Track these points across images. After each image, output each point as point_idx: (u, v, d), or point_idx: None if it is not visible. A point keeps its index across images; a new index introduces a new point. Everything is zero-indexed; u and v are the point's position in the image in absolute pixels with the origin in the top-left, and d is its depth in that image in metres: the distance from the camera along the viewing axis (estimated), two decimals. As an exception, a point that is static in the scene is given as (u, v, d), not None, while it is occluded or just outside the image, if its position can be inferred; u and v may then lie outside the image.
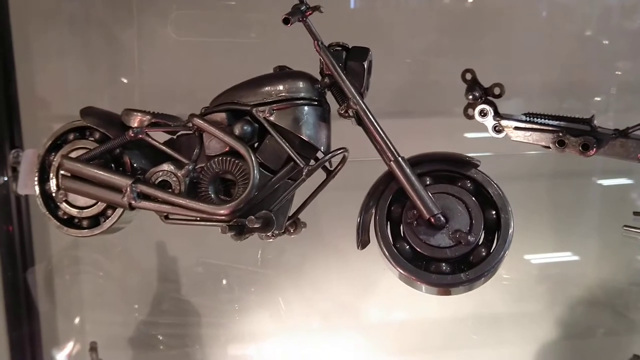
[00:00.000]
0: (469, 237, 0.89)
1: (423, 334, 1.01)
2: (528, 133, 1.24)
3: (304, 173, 0.94)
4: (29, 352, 1.10)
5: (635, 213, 1.29)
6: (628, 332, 1.02)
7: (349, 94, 0.92)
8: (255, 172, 0.91)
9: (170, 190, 0.96)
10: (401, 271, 0.90)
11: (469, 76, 1.24)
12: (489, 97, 1.25)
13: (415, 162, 0.94)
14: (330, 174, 1.01)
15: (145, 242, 1.21)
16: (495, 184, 0.93)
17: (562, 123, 1.21)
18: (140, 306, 1.10)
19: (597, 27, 1.95)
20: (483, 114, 1.26)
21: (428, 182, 0.93)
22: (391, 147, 0.91)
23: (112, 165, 1.03)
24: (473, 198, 0.92)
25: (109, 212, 1.04)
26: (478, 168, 0.94)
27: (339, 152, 0.98)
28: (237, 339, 1.03)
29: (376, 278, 1.13)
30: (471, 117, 1.28)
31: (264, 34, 1.62)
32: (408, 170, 0.90)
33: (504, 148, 1.27)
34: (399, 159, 0.91)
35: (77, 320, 1.13)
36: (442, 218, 0.90)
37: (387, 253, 0.91)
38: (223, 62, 1.52)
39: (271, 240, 1.01)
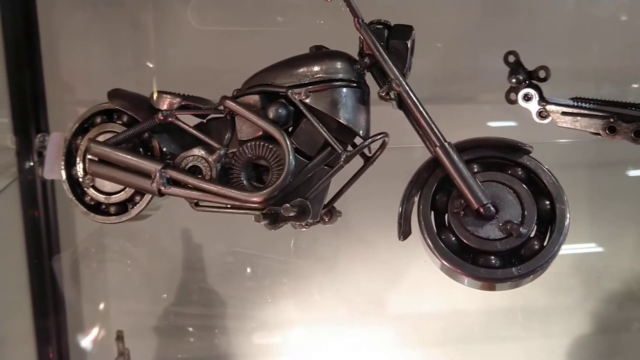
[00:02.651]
0: (521, 229, 0.83)
1: (453, 326, 0.98)
2: (576, 119, 1.17)
3: (341, 159, 0.88)
4: (55, 340, 1.08)
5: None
6: None
7: (391, 74, 0.87)
8: (291, 157, 0.86)
9: (200, 176, 0.92)
10: (446, 263, 0.85)
11: (512, 58, 1.18)
12: (533, 81, 1.19)
13: (463, 148, 0.88)
14: (368, 161, 0.96)
15: (174, 229, 1.18)
16: (550, 171, 0.87)
17: (613, 108, 1.14)
18: (167, 295, 1.07)
19: (633, 11, 1.88)
20: (527, 98, 1.19)
21: (476, 170, 0.87)
22: (437, 132, 0.86)
23: (141, 149, 0.99)
24: (525, 187, 0.86)
25: (137, 198, 1.00)
26: (530, 155, 0.88)
27: (379, 137, 0.92)
28: (264, 328, 1.00)
29: (406, 269, 1.10)
30: (514, 102, 1.22)
31: (292, 18, 1.58)
32: (455, 157, 0.84)
33: (532, 136, 1.21)
34: (446, 144, 0.85)
35: (102, 308, 1.11)
36: (492, 208, 0.84)
37: (431, 244, 0.86)
38: (249, 46, 1.49)
39: (305, 229, 0.97)
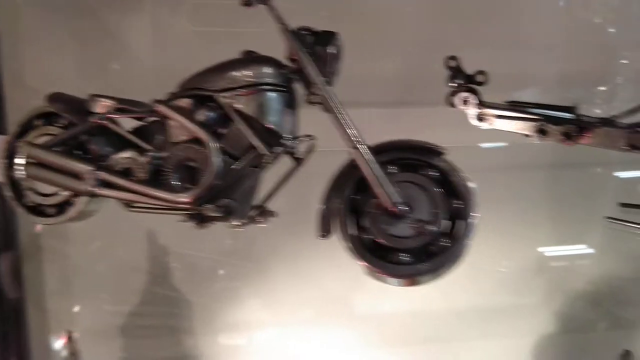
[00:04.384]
0: (430, 227, 0.86)
1: (418, 326, 0.99)
2: (511, 122, 1.21)
3: (265, 160, 0.92)
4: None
5: (622, 205, 1.25)
6: (629, 326, 1.00)
7: (313, 79, 0.90)
8: (214, 159, 0.89)
9: (132, 177, 0.95)
10: (359, 261, 0.88)
11: (452, 63, 1.21)
12: (472, 85, 1.22)
13: (381, 150, 0.91)
14: (297, 163, 0.99)
15: (116, 230, 1.20)
16: (461, 173, 0.90)
17: (544, 111, 1.18)
18: (109, 296, 1.09)
19: (603, 15, 1.90)
20: (465, 102, 1.23)
21: (394, 171, 0.91)
22: (353, 134, 0.89)
23: (79, 152, 1.02)
24: (437, 187, 0.89)
25: (75, 199, 1.03)
26: (444, 156, 0.91)
27: (303, 139, 0.95)
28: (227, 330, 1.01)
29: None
30: (454, 106, 1.25)
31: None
32: (369, 158, 0.87)
33: (511, 137, 1.24)
34: (361, 146, 0.88)
35: (49, 308, 1.13)
36: (403, 207, 0.87)
37: (346, 243, 0.89)
38: (218, 47, 1.50)
39: (242, 229, 1.00)
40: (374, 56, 1.63)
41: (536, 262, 1.16)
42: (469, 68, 1.77)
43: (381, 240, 0.89)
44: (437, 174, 0.91)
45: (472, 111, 1.23)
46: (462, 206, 0.89)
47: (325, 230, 0.91)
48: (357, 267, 1.10)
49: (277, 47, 0.96)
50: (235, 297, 1.06)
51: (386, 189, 0.86)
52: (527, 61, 1.80)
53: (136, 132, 1.01)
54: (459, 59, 1.21)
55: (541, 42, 1.79)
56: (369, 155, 0.87)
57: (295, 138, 0.95)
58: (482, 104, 1.22)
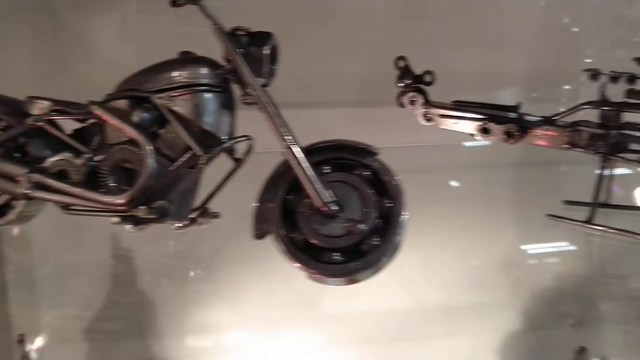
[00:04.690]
0: (360, 226, 0.87)
1: (385, 324, 1.00)
2: (456, 121, 1.22)
3: (201, 161, 0.92)
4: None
5: (566, 202, 1.26)
6: (594, 322, 1.01)
7: (247, 80, 0.90)
8: (149, 160, 0.89)
9: (67, 180, 0.95)
10: (293, 263, 0.89)
11: (401, 63, 1.22)
12: (419, 85, 1.23)
13: (315, 150, 0.91)
14: (237, 164, 0.99)
15: (78, 234, 1.19)
16: (393, 172, 0.91)
17: (488, 111, 1.19)
18: (73, 300, 1.07)
19: (566, 15, 1.93)
20: (412, 101, 1.24)
21: (327, 170, 0.91)
22: (286, 134, 0.89)
23: (18, 154, 1.01)
24: (368, 187, 0.90)
25: (14, 202, 1.02)
26: (377, 156, 0.92)
27: (239, 139, 0.96)
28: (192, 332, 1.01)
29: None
30: (403, 106, 1.27)
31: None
32: (300, 158, 0.88)
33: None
34: (293, 146, 0.89)
35: (12, 314, 1.11)
36: (334, 207, 0.88)
37: (279, 245, 0.90)
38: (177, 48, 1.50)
39: (183, 230, 1.00)
40: (341, 56, 1.64)
41: (504, 260, 1.18)
42: (431, 68, 1.80)
43: (313, 240, 0.90)
44: (370, 174, 0.92)
45: (419, 111, 1.25)
46: (393, 205, 0.90)
47: (259, 231, 0.91)
48: None
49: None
50: (203, 300, 1.06)
51: (317, 189, 0.87)
52: (494, 60, 1.83)
53: (77, 133, 1.01)
54: (408, 59, 1.23)
55: (509, 42, 1.82)
56: (300, 155, 0.88)
57: (232, 139, 0.96)
58: (428, 104, 1.24)
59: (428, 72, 1.21)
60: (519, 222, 1.30)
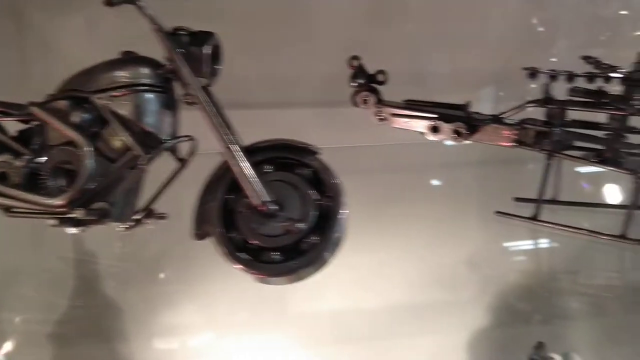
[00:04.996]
0: (298, 225, 0.88)
1: (354, 324, 1.00)
2: (407, 120, 1.23)
3: (142, 162, 0.92)
4: None
5: (516, 199, 1.28)
6: (560, 318, 1.02)
7: (187, 80, 0.91)
8: (88, 161, 0.89)
9: (7, 182, 0.94)
10: (233, 265, 0.89)
11: (355, 63, 1.23)
12: (372, 85, 1.24)
13: (255, 149, 0.92)
14: (181, 164, 0.99)
15: (39, 236, 1.18)
16: (333, 172, 0.92)
17: (438, 109, 1.21)
18: (36, 304, 1.06)
19: (532, 13, 1.95)
20: (365, 101, 1.25)
21: (269, 170, 0.92)
22: (226, 134, 0.89)
23: None
24: (309, 186, 0.91)
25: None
26: (318, 155, 0.93)
27: (181, 140, 0.96)
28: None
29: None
30: (357, 105, 1.27)
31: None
32: (239, 157, 0.88)
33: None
34: (232, 145, 0.89)
35: None
36: (272, 206, 0.89)
37: (218, 245, 0.90)
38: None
39: (127, 232, 1.00)
40: (306, 56, 1.65)
41: (471, 258, 1.18)
42: (400, 67, 1.81)
43: (252, 240, 0.90)
44: (310, 173, 0.92)
45: (372, 110, 1.26)
46: (332, 203, 0.90)
47: (200, 232, 0.91)
48: None
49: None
50: (170, 302, 1.06)
51: (255, 188, 0.87)
52: (461, 59, 1.84)
53: (21, 135, 1.00)
54: (361, 59, 1.24)
55: (476, 41, 1.83)
56: (239, 155, 0.88)
57: (174, 139, 0.96)
58: (381, 103, 1.25)
59: (381, 72, 1.22)
60: (486, 220, 1.31)
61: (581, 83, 1.10)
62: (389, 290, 1.07)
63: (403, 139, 1.39)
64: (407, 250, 1.20)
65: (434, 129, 1.19)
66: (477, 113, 1.19)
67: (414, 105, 1.23)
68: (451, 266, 1.15)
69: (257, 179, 0.88)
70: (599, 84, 1.08)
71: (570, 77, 1.07)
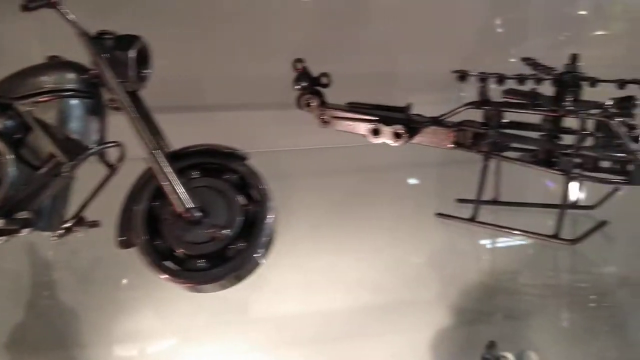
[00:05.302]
0: (224, 232, 0.87)
1: (318, 326, 0.99)
2: (349, 123, 1.24)
3: (65, 169, 0.91)
4: None
5: (459, 200, 1.29)
6: (522, 316, 1.03)
7: (110, 84, 0.90)
8: (10, 169, 0.88)
9: None
10: (159, 275, 0.88)
11: (299, 66, 1.23)
12: (316, 87, 1.24)
13: (182, 155, 0.91)
14: (111, 171, 0.98)
15: None
16: (260, 177, 0.91)
17: (379, 112, 1.21)
18: None
19: (489, 14, 1.97)
20: (308, 104, 1.25)
21: (196, 176, 0.91)
22: (150, 140, 0.89)
23: None
24: (235, 192, 0.90)
25: None
26: (246, 161, 0.92)
27: (107, 146, 0.95)
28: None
29: (266, 272, 1.11)
30: (301, 108, 1.27)
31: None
32: (162, 163, 0.87)
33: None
34: (155, 151, 0.88)
35: None
36: (197, 213, 0.88)
37: (142, 254, 0.88)
38: None
39: (56, 240, 0.98)
40: (266, 58, 1.64)
41: (432, 257, 1.19)
42: (358, 69, 1.80)
43: (177, 248, 0.89)
44: (237, 179, 0.91)
45: (315, 113, 1.26)
46: (259, 209, 0.90)
47: (124, 240, 0.90)
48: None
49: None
50: (128, 307, 1.04)
51: (179, 195, 0.86)
52: (423, 61, 1.85)
53: None
54: (305, 61, 1.24)
55: (435, 43, 1.84)
56: (162, 161, 0.87)
57: (100, 145, 0.95)
58: (324, 106, 1.25)
59: (324, 75, 1.22)
60: (445, 220, 1.31)
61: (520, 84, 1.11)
62: (349, 292, 1.07)
63: (362, 141, 1.39)
64: (367, 252, 1.20)
65: (375, 132, 1.20)
66: (417, 115, 1.20)
67: (356, 108, 1.23)
68: (411, 267, 1.15)
69: (180, 186, 0.87)
70: (532, 85, 1.09)
71: (500, 79, 1.08)
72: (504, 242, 1.22)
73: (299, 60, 1.23)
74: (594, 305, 1.04)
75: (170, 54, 1.70)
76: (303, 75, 1.24)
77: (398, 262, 1.15)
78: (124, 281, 1.07)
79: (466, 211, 1.21)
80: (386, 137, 1.19)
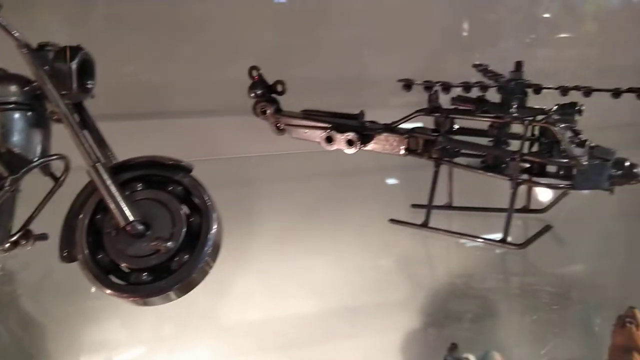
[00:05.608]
0: (167, 244, 0.87)
1: (288, 331, 0.99)
2: (305, 130, 1.24)
3: (6, 183, 0.90)
4: None
5: (413, 205, 1.30)
6: (489, 318, 1.04)
7: (50, 96, 0.89)
8: None
9: None
10: (102, 289, 0.86)
11: (254, 73, 1.23)
12: (272, 95, 1.24)
13: (125, 167, 0.91)
14: (56, 183, 0.97)
15: None
16: (204, 188, 0.91)
17: (332, 119, 1.21)
18: None
19: (454, 18, 1.98)
20: (263, 111, 1.25)
21: (140, 188, 0.91)
22: (90, 153, 0.88)
23: None
24: (179, 203, 0.90)
25: None
26: (190, 173, 0.92)
27: (50, 159, 0.94)
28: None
29: (233, 279, 1.11)
30: (257, 115, 1.27)
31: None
32: (103, 176, 0.87)
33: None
34: (96, 164, 0.88)
35: None
36: (139, 226, 0.88)
37: (85, 270, 0.87)
38: None
39: (6, 254, 0.97)
40: (229, 64, 1.64)
41: (401, 260, 1.19)
42: (321, 74, 1.80)
43: (120, 262, 0.88)
44: (182, 190, 0.91)
45: (270, 120, 1.26)
46: (202, 220, 0.90)
47: (67, 254, 0.89)
48: (220, 275, 1.10)
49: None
50: (95, 317, 1.03)
51: (120, 208, 0.86)
52: (386, 64, 1.86)
53: None
54: (260, 69, 1.24)
55: (402, 46, 1.85)
56: (103, 173, 0.87)
57: (43, 158, 0.94)
58: (279, 113, 1.25)
59: (279, 82, 1.23)
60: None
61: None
62: (319, 296, 1.07)
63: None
64: (336, 256, 1.20)
65: (328, 139, 1.20)
66: (371, 122, 1.21)
67: (311, 116, 1.24)
68: (383, 268, 1.16)
69: (122, 199, 0.87)
70: (478, 93, 1.10)
71: (445, 87, 1.09)
72: (471, 244, 1.23)
73: (254, 68, 1.23)
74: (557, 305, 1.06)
75: (136, 60, 1.71)
76: (258, 83, 1.24)
77: (366, 265, 1.16)
78: (93, 290, 1.07)
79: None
80: (339, 145, 1.20)
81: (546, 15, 2.16)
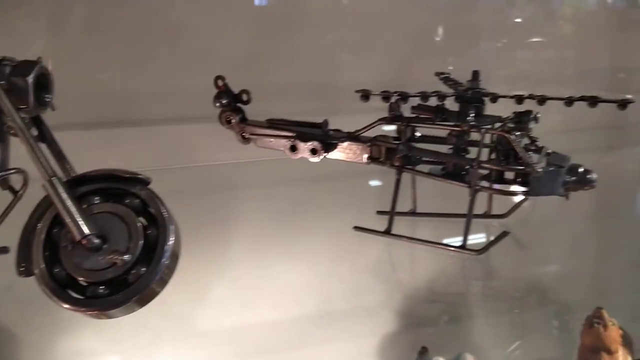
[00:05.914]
0: (124, 257, 0.87)
1: (266, 336, 0.99)
2: (270, 140, 1.25)
3: None
4: None
5: (379, 212, 1.31)
6: (464, 320, 1.05)
7: (6, 111, 0.89)
8: None
9: None
10: (59, 304, 0.86)
11: (220, 83, 1.24)
12: (237, 104, 1.25)
13: (83, 180, 0.91)
14: (15, 197, 0.97)
15: None
16: (161, 200, 0.91)
17: (297, 128, 1.22)
18: None
19: (428, 23, 2.00)
20: (228, 120, 1.26)
21: (97, 201, 0.91)
22: (46, 167, 0.88)
23: None
24: (136, 216, 0.90)
25: None
26: (148, 185, 0.92)
27: (8, 173, 0.94)
28: None
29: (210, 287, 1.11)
30: (223, 124, 1.28)
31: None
32: (59, 190, 0.87)
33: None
34: (52, 178, 0.88)
35: None
36: (95, 239, 0.88)
37: (41, 284, 0.86)
38: None
39: None
40: (202, 71, 1.64)
41: (378, 264, 1.20)
42: (290, 80, 1.80)
43: (76, 276, 0.87)
44: (139, 203, 0.91)
45: (236, 130, 1.27)
46: (160, 233, 0.90)
47: (24, 268, 0.88)
48: (196, 283, 1.10)
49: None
50: (70, 326, 1.02)
51: (75, 222, 0.86)
52: (360, 69, 1.87)
53: None
54: (225, 79, 1.24)
55: (373, 51, 1.87)
56: (59, 188, 0.87)
57: (2, 171, 0.94)
58: (244, 123, 1.26)
59: (245, 91, 1.23)
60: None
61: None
62: (295, 301, 1.08)
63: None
64: (312, 261, 1.21)
65: (292, 148, 1.21)
66: (335, 130, 1.22)
67: (275, 125, 1.24)
68: (353, 275, 1.17)
69: (77, 212, 0.87)
70: (437, 101, 1.12)
71: (403, 97, 1.11)
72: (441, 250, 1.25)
73: (219, 78, 1.24)
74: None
75: (109, 67, 1.71)
76: (223, 92, 1.25)
77: (340, 270, 1.17)
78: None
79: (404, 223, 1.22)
80: (303, 153, 1.21)
81: (518, 19, 2.19)
